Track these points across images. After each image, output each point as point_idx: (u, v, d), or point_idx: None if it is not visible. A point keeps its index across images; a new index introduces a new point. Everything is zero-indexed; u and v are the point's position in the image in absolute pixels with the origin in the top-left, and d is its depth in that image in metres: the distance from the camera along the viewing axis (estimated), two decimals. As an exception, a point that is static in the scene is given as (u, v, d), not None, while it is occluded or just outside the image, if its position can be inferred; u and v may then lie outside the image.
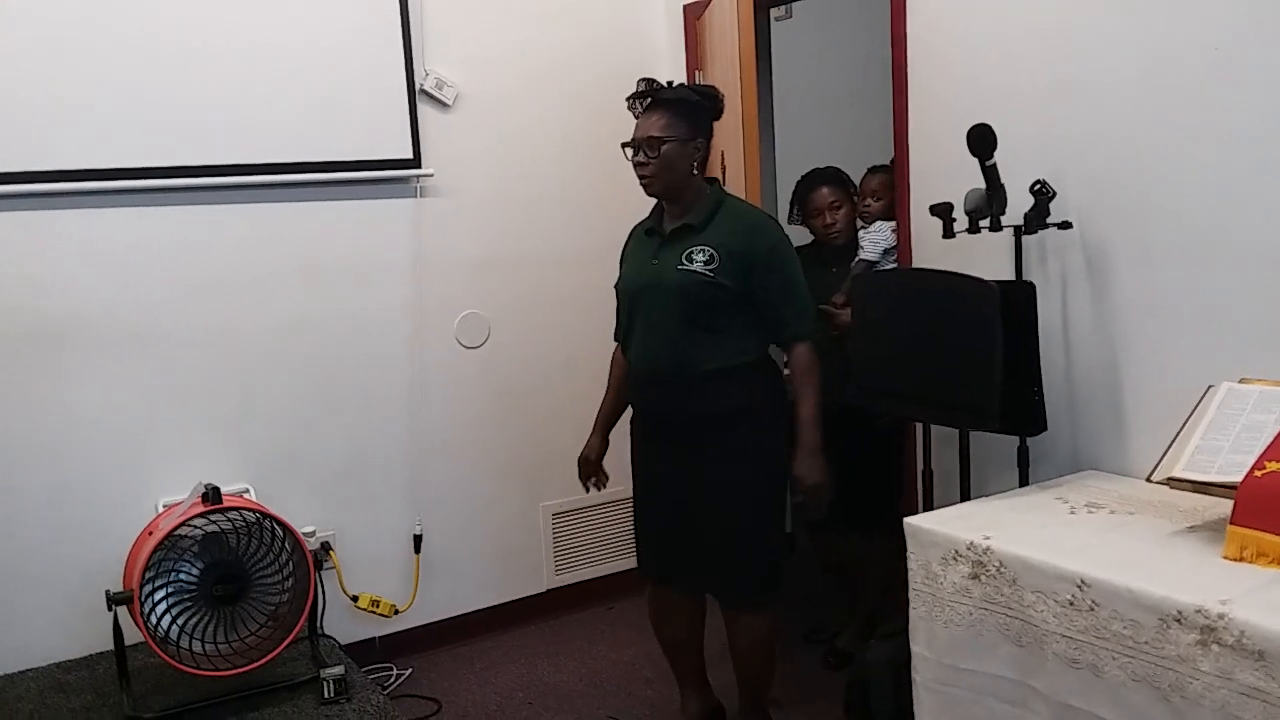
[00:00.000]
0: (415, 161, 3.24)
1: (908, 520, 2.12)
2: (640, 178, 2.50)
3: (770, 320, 2.48)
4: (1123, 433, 2.37)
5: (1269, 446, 1.80)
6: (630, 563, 3.82)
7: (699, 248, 2.46)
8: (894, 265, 2.94)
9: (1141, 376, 2.32)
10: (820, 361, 2.50)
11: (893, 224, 2.99)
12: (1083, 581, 1.76)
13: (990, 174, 2.30)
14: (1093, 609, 1.75)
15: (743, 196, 2.94)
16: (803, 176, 3.27)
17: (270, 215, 3.11)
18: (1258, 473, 1.77)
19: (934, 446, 2.67)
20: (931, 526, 2.07)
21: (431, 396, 3.42)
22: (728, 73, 3.18)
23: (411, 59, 3.22)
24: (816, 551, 3.52)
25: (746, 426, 2.50)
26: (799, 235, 3.42)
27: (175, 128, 2.92)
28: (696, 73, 3.49)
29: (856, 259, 3.05)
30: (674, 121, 2.47)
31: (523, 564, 3.67)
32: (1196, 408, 1.99)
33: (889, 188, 3.04)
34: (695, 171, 2.53)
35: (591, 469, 2.84)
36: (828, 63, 4.19)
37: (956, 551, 2.00)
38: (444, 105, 3.32)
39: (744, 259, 2.43)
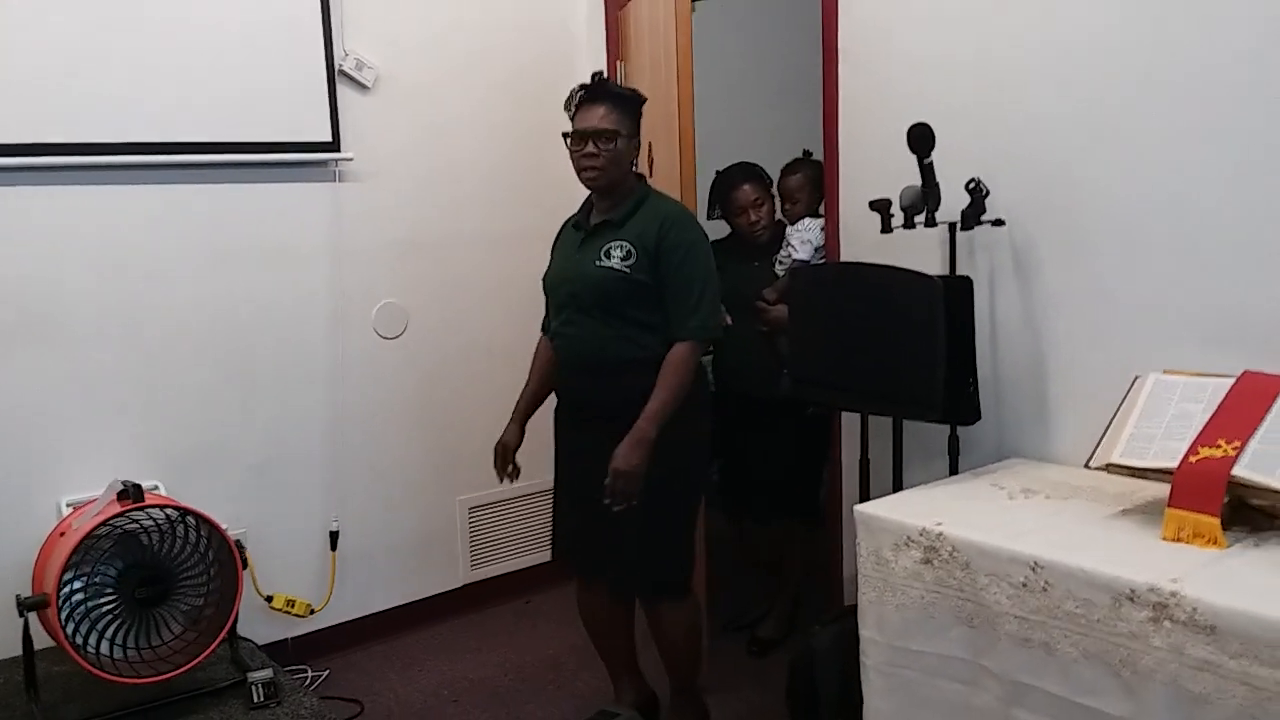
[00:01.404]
0: (334, 145, 3.14)
1: (858, 508, 2.17)
2: (586, 169, 2.49)
3: (667, 314, 2.49)
4: (1046, 421, 2.48)
5: (1200, 433, 1.91)
6: (546, 555, 3.81)
7: (617, 243, 2.49)
8: (822, 261, 3.01)
9: (1064, 368, 2.44)
10: (699, 369, 2.53)
11: (821, 221, 3.05)
12: (1036, 564, 1.84)
13: (927, 172, 2.37)
14: (1045, 589, 1.83)
15: (675, 192, 2.94)
16: (720, 173, 3.29)
17: (181, 197, 2.95)
18: (1192, 458, 1.88)
19: (857, 438, 2.75)
20: (882, 514, 2.12)
21: (349, 388, 3.32)
22: (656, 65, 3.18)
23: (331, 38, 3.11)
24: (737, 541, 3.57)
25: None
26: (716, 230, 3.46)
27: (79, 102, 2.75)
28: (619, 63, 3.47)
29: (787, 256, 3.10)
30: (621, 117, 2.50)
31: (439, 559, 3.60)
32: (1126, 397, 2.10)
33: (809, 186, 3.11)
34: (627, 166, 2.55)
35: (508, 456, 2.80)
36: (747, 51, 4.23)
37: (908, 538, 2.05)
38: (364, 87, 3.22)
39: (654, 253, 2.46)
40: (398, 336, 3.41)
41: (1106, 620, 1.74)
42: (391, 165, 3.33)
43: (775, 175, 3.27)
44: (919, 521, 2.05)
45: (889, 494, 2.36)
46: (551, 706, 2.99)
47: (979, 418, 2.44)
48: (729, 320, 2.72)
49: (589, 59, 3.63)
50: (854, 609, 2.20)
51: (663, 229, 2.47)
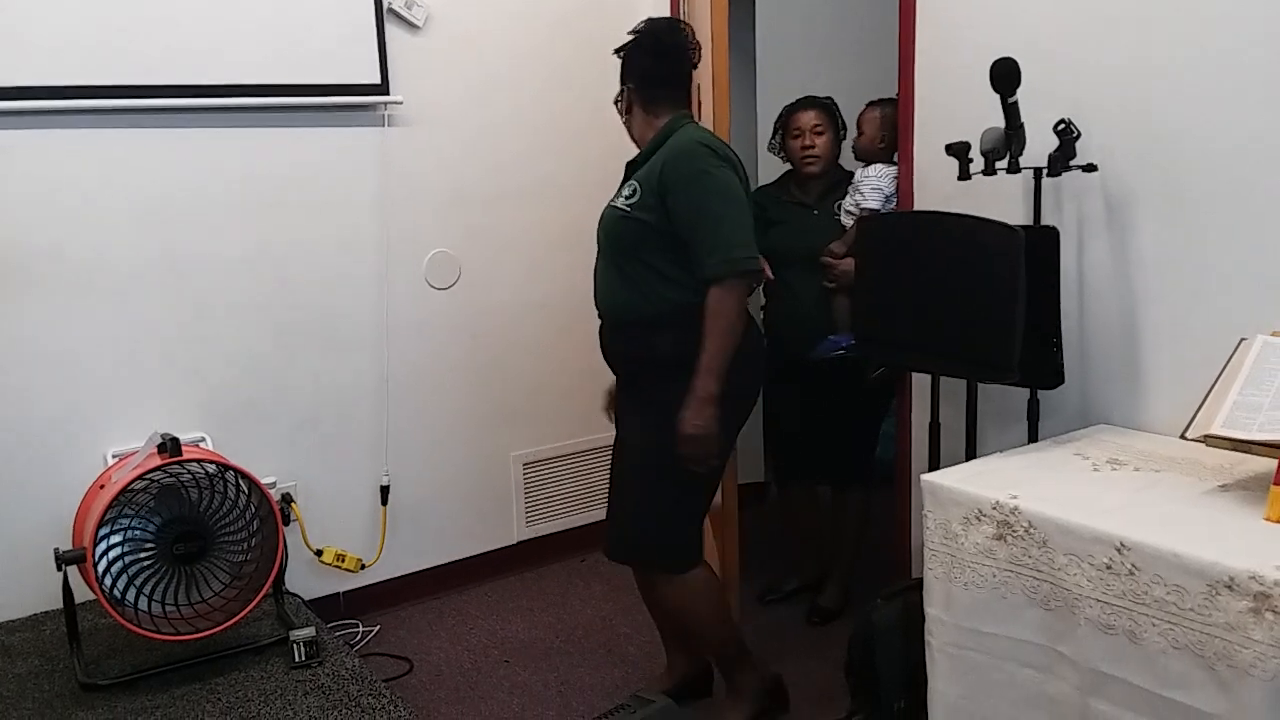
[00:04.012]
0: (383, 87, 3.02)
1: (926, 478, 2.01)
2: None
3: (689, 258, 2.27)
4: (1138, 386, 2.28)
5: (1316, 404, 1.72)
6: (602, 513, 3.72)
7: (629, 183, 2.37)
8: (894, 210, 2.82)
9: (1160, 329, 2.23)
10: (743, 310, 2.28)
11: (894, 169, 2.85)
12: (1122, 544, 1.67)
13: (1011, 112, 2.17)
14: (1132, 573, 1.66)
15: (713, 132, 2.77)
16: (791, 102, 3.11)
17: (225, 142, 2.87)
18: (1305, 431, 1.69)
19: (928, 400, 2.57)
20: (952, 484, 1.96)
21: (398, 340, 3.23)
22: (711, 11, 2.99)
23: (380, -26, 2.98)
24: (784, 506, 3.43)
25: (663, 381, 2.32)
26: (771, 170, 3.28)
27: (120, 45, 2.67)
28: (683, 4, 3.29)
29: (855, 205, 2.91)
30: (622, 73, 2.47)
31: (493, 515, 3.52)
32: (1229, 362, 1.90)
33: (890, 125, 2.89)
34: (642, 113, 2.43)
35: (609, 401, 2.73)
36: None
37: (980, 511, 1.89)
38: (414, 27, 3.09)
39: (660, 186, 2.26)
40: (449, 287, 3.31)
41: (1200, 609, 1.58)
42: (443, 110, 3.21)
43: (851, 121, 3.07)
44: (992, 494, 1.89)
45: (961, 462, 2.20)
46: (601, 672, 2.90)
47: (1062, 381, 2.25)
48: (768, 272, 2.53)
49: (653, 1, 3.45)
50: (919, 583, 2.06)
51: (667, 163, 2.27)
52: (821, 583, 3.28)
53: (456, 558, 3.45)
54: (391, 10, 3.03)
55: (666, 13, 3.33)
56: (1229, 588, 1.54)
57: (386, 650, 3.02)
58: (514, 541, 3.58)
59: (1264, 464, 1.78)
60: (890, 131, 2.88)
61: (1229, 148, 2.06)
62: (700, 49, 2.50)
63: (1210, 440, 1.81)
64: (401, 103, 3.08)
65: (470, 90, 3.26)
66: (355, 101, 3.00)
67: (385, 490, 3.24)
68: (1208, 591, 1.56)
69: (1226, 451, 1.83)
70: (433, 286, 3.28)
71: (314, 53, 2.91)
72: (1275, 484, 1.69)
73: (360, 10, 2.96)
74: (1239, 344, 1.92)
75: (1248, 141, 2.03)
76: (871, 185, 2.86)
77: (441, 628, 3.19)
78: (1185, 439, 1.87)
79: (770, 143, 3.16)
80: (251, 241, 2.94)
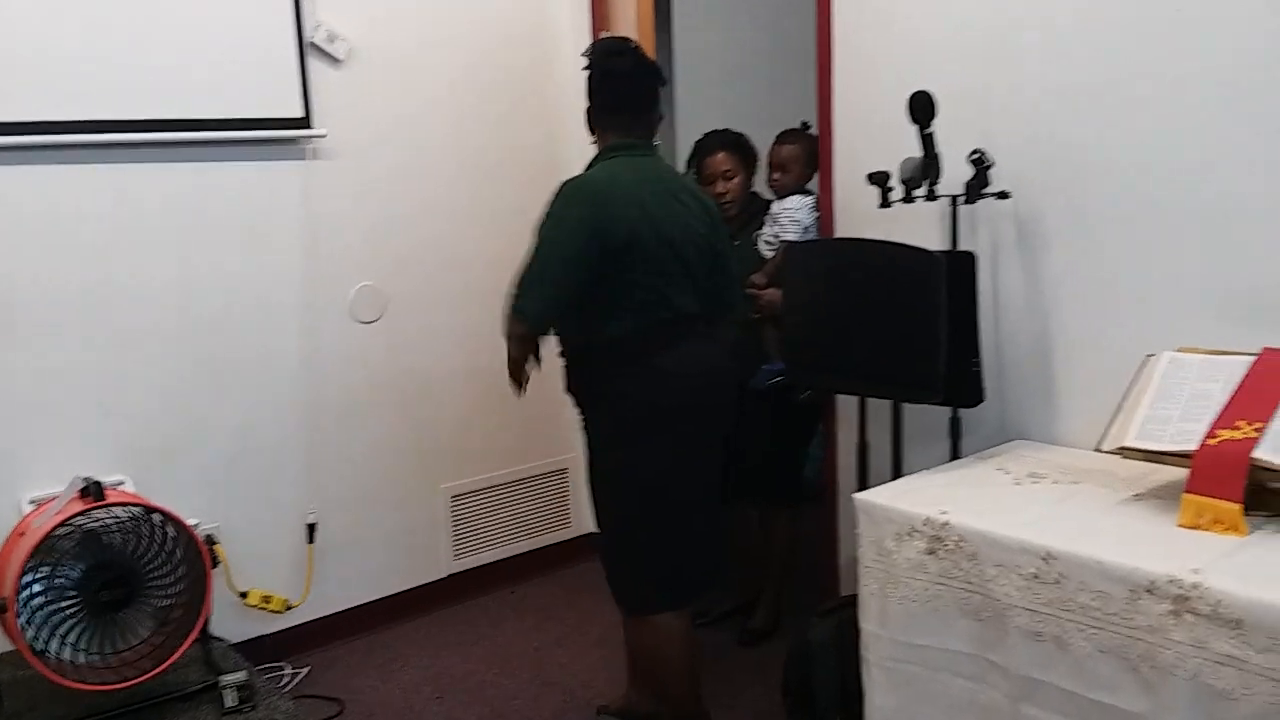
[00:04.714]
0: (305, 121, 2.99)
1: (858, 497, 2.07)
2: None
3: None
4: (1052, 402, 2.39)
5: (1220, 415, 1.82)
6: (532, 543, 3.72)
7: None
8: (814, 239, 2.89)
9: (1072, 346, 2.34)
10: (516, 345, 2.34)
11: (811, 200, 2.93)
12: (1048, 554, 1.75)
13: (927, 142, 2.27)
14: (1059, 581, 1.74)
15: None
16: (702, 137, 3.18)
17: (144, 176, 2.81)
18: (1211, 441, 1.79)
19: (854, 421, 2.65)
20: (884, 502, 2.03)
21: (323, 375, 3.19)
22: (632, 34, 3.06)
23: (300, 8, 2.96)
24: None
25: (589, 416, 2.43)
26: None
27: (31, 77, 2.60)
28: (603, 34, 3.35)
29: (774, 236, 2.98)
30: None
31: (422, 549, 3.49)
32: (1137, 377, 2.00)
33: (803, 158, 2.98)
34: (590, 136, 2.45)
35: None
36: (744, 19, 4.10)
37: (912, 527, 1.96)
38: (336, 61, 3.07)
39: None
40: (376, 320, 3.28)
41: (1124, 613, 1.66)
42: (367, 142, 3.19)
43: (768, 145, 3.15)
44: (922, 510, 1.95)
45: (888, 479, 2.27)
46: (537, 703, 2.89)
47: (982, 399, 2.34)
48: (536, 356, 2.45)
49: (573, 29, 3.49)
50: (853, 599, 2.11)
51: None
52: (752, 604, 3.32)
53: (386, 594, 3.40)
54: (313, 44, 3.01)
55: (587, 42, 3.38)
56: (1149, 592, 1.62)
57: (317, 692, 2.96)
58: (444, 575, 3.54)
59: (1174, 473, 1.88)
60: (806, 163, 2.96)
61: (1129, 172, 2.19)
62: (659, 73, 2.47)
63: (1125, 452, 1.91)
64: (325, 136, 3.06)
65: (395, 122, 3.25)
66: (277, 135, 2.97)
67: (312, 528, 3.18)
68: (1129, 596, 1.64)
69: (1139, 462, 1.93)
70: (359, 320, 3.25)
71: (235, 87, 2.88)
72: (1187, 492, 1.79)
73: (281, 45, 2.94)
74: (1146, 360, 2.03)
75: (1146, 166, 2.16)
76: (790, 218, 2.93)
77: (372, 666, 3.14)
78: (1101, 451, 1.97)
79: (686, 174, 3.22)
80: (172, 277, 2.88)
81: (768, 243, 3.01)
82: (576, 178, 2.34)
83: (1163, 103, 2.12)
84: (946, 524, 1.90)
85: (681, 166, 3.28)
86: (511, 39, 3.48)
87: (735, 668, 3.04)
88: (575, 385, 2.42)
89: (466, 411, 3.51)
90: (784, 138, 3.07)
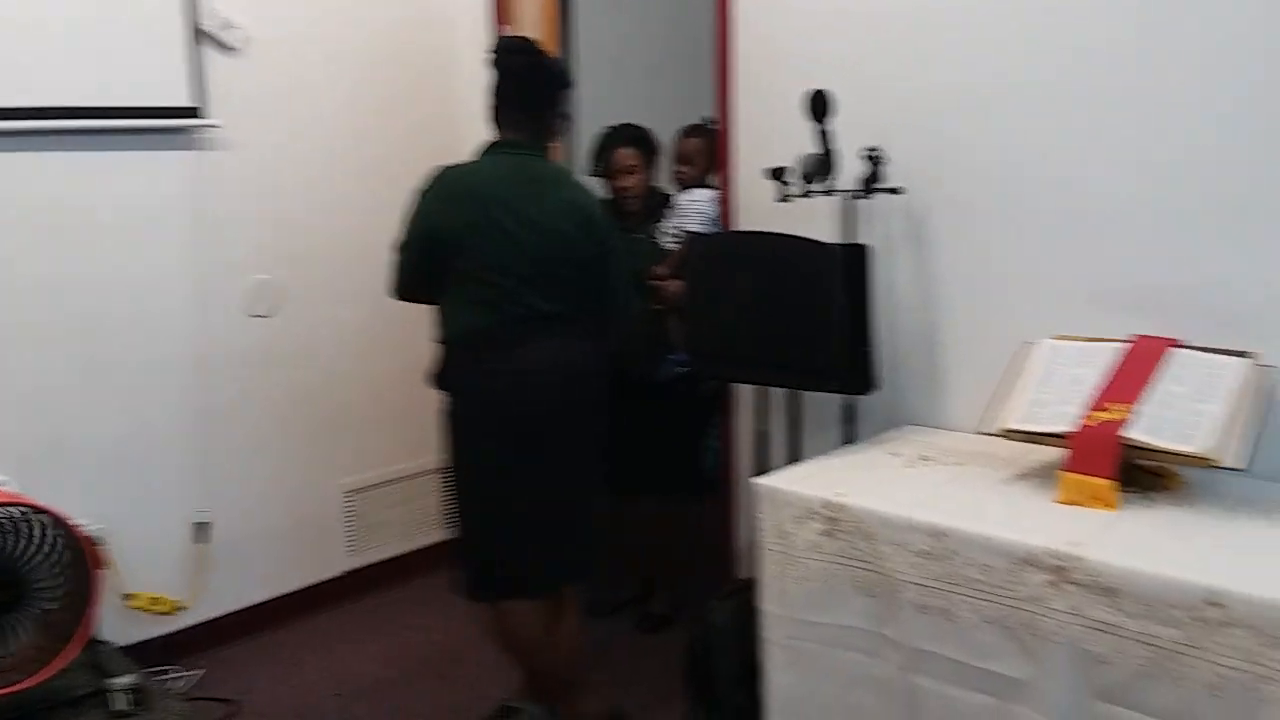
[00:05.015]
0: (198, 110, 2.91)
1: (759, 481, 2.13)
2: None
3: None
4: (939, 389, 2.49)
5: (1094, 398, 1.94)
6: (430, 538, 3.69)
7: None
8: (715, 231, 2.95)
9: (957, 335, 2.45)
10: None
11: (714, 193, 2.99)
12: (938, 531, 1.83)
13: (825, 139, 2.34)
14: (947, 557, 1.82)
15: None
16: (605, 132, 3.21)
17: (26, 167, 2.70)
18: (1085, 422, 1.91)
19: (752, 409, 2.72)
20: (784, 486, 2.09)
21: (215, 371, 3.12)
22: (534, 27, 3.07)
23: (192, -6, 2.89)
24: (615, 519, 3.46)
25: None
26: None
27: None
28: (506, 28, 3.35)
29: (676, 228, 3.03)
30: None
31: (318, 546, 3.44)
32: (1018, 363, 2.11)
33: (707, 152, 3.04)
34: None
35: None
36: (639, 16, 4.13)
37: (810, 510, 2.02)
38: (231, 49, 3.00)
39: None
40: (270, 315, 3.22)
41: (1007, 585, 1.75)
42: (263, 133, 3.13)
43: (670, 139, 3.20)
44: (820, 493, 2.02)
45: (783, 467, 2.34)
46: (436, 698, 2.88)
47: (876, 387, 2.43)
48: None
49: (473, 21, 3.48)
50: (752, 583, 2.17)
51: None
52: (650, 592, 3.37)
53: (282, 592, 3.34)
54: (204, 32, 2.93)
55: (487, 33, 3.38)
56: (1030, 564, 1.72)
57: (212, 694, 2.89)
58: (341, 571, 3.49)
59: (1053, 453, 1.99)
60: (710, 157, 3.03)
61: (1010, 172, 2.31)
62: (562, 76, 2.53)
63: (1007, 434, 2.02)
64: (219, 126, 2.98)
65: (293, 113, 3.20)
66: (165, 125, 2.89)
67: (203, 528, 3.10)
68: (1012, 568, 1.74)
69: (1019, 443, 2.04)
70: (253, 314, 3.18)
71: (123, 75, 2.79)
72: (1064, 470, 1.90)
73: (171, 33, 2.86)
74: (1024, 347, 2.14)
75: (1025, 166, 2.28)
76: (694, 210, 2.99)
77: (268, 666, 3.08)
78: (984, 434, 2.07)
79: (590, 171, 3.25)
80: (55, 270, 2.78)
81: (670, 234, 3.06)
82: (443, 165, 2.43)
83: (1040, 108, 2.24)
84: (843, 506, 1.98)
85: (584, 161, 3.31)
86: (413, 31, 3.46)
87: (635, 654, 3.08)
88: (432, 375, 2.47)
89: (364, 407, 3.47)
90: (689, 132, 3.13)
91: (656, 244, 3.08)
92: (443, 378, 2.44)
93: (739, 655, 2.30)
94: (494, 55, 2.43)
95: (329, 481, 3.44)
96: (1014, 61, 2.27)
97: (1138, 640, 1.60)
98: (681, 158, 3.11)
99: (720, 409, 3.00)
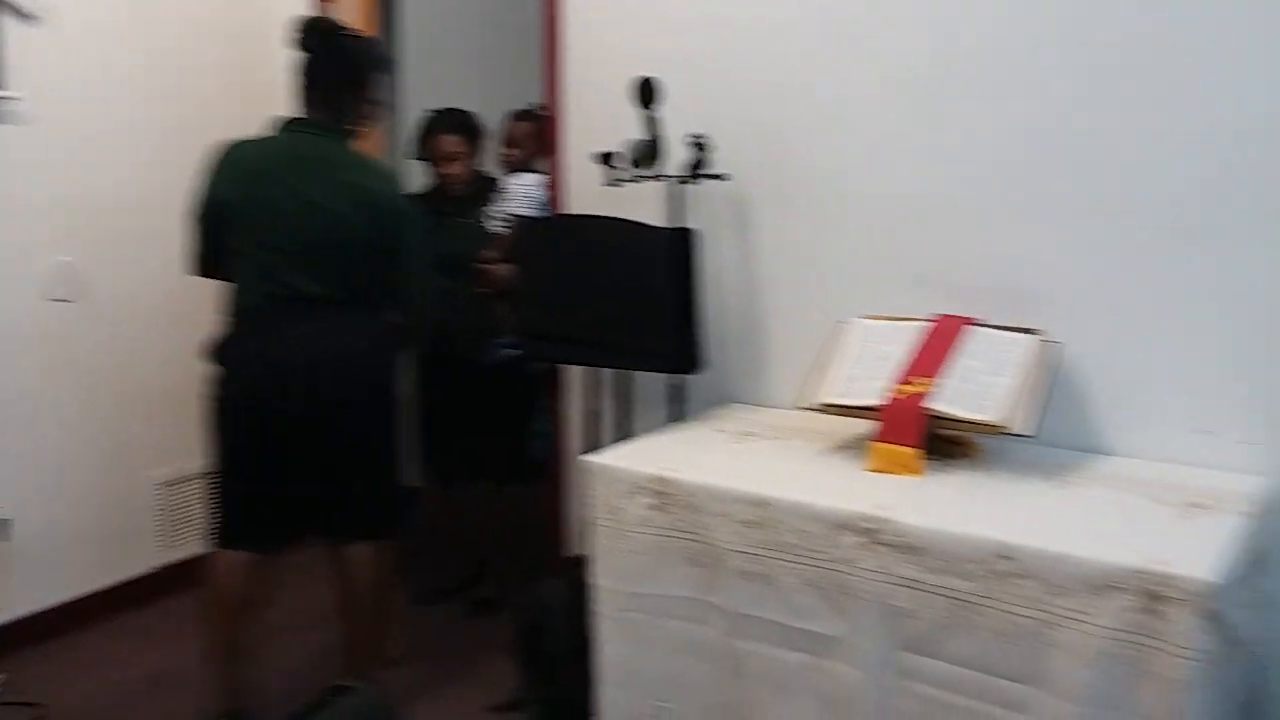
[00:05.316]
0: (-8, 81, 2.72)
1: (590, 459, 2.18)
2: None
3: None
4: (761, 368, 2.60)
5: (900, 373, 2.07)
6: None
7: None
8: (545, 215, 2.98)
9: (778, 315, 2.56)
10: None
11: (542, 178, 3.01)
12: (760, 501, 1.92)
13: (652, 124, 2.40)
14: (768, 525, 1.91)
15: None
16: (428, 116, 3.18)
17: None
18: (894, 396, 2.04)
19: (583, 390, 2.77)
20: (614, 464, 2.14)
21: (10, 359, 2.92)
22: (355, 8, 3.02)
23: (-19, -46, 2.69)
24: (443, 505, 3.44)
25: None
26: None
27: None
28: (329, 7, 3.26)
29: (503, 211, 3.03)
30: None
31: (128, 542, 3.27)
32: (833, 342, 2.23)
33: (536, 136, 3.06)
34: None
35: None
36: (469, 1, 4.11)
37: (640, 485, 2.07)
38: (32, 18, 2.80)
39: None
40: (72, 299, 3.03)
41: (823, 549, 1.85)
42: (68, 108, 2.94)
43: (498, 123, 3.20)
44: (650, 469, 2.08)
45: (616, 444, 2.39)
46: (257, 690, 2.78)
47: (703, 366, 2.51)
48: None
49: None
50: (582, 560, 2.21)
51: None
52: (479, 576, 3.37)
53: (90, 590, 3.17)
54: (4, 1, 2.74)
55: (306, 12, 3.28)
56: (844, 528, 1.82)
57: (17, 698, 2.71)
58: (153, 568, 3.34)
59: (864, 425, 2.11)
60: (538, 141, 3.05)
61: (825, 162, 2.43)
62: (370, 59, 2.52)
63: (824, 408, 2.13)
64: (20, 99, 2.79)
65: (100, 88, 3.02)
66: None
67: (2, 525, 2.91)
68: (828, 533, 1.84)
69: (835, 417, 2.16)
70: (53, 298, 2.99)
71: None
72: (874, 441, 2.03)
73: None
74: (838, 326, 2.26)
75: (844, 155, 2.40)
76: (522, 194, 3.01)
77: (77, 666, 2.92)
78: (801, 409, 2.19)
79: (408, 149, 3.21)
80: None
81: (497, 219, 3.06)
82: (234, 139, 2.47)
83: (857, 105, 2.37)
84: (671, 480, 2.04)
85: (409, 147, 3.27)
86: (229, 7, 3.33)
87: (464, 639, 3.08)
88: (205, 350, 2.50)
89: (174, 396, 3.30)
90: (518, 116, 3.14)
91: (483, 228, 3.08)
92: (212, 353, 2.46)
93: (570, 630, 2.33)
94: (296, 34, 2.43)
95: (138, 474, 3.28)
96: (836, 61, 2.39)
97: (939, 594, 1.72)
98: (509, 141, 3.12)
99: (549, 393, 3.03)
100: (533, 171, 3.07)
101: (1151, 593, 1.53)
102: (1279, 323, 1.97)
